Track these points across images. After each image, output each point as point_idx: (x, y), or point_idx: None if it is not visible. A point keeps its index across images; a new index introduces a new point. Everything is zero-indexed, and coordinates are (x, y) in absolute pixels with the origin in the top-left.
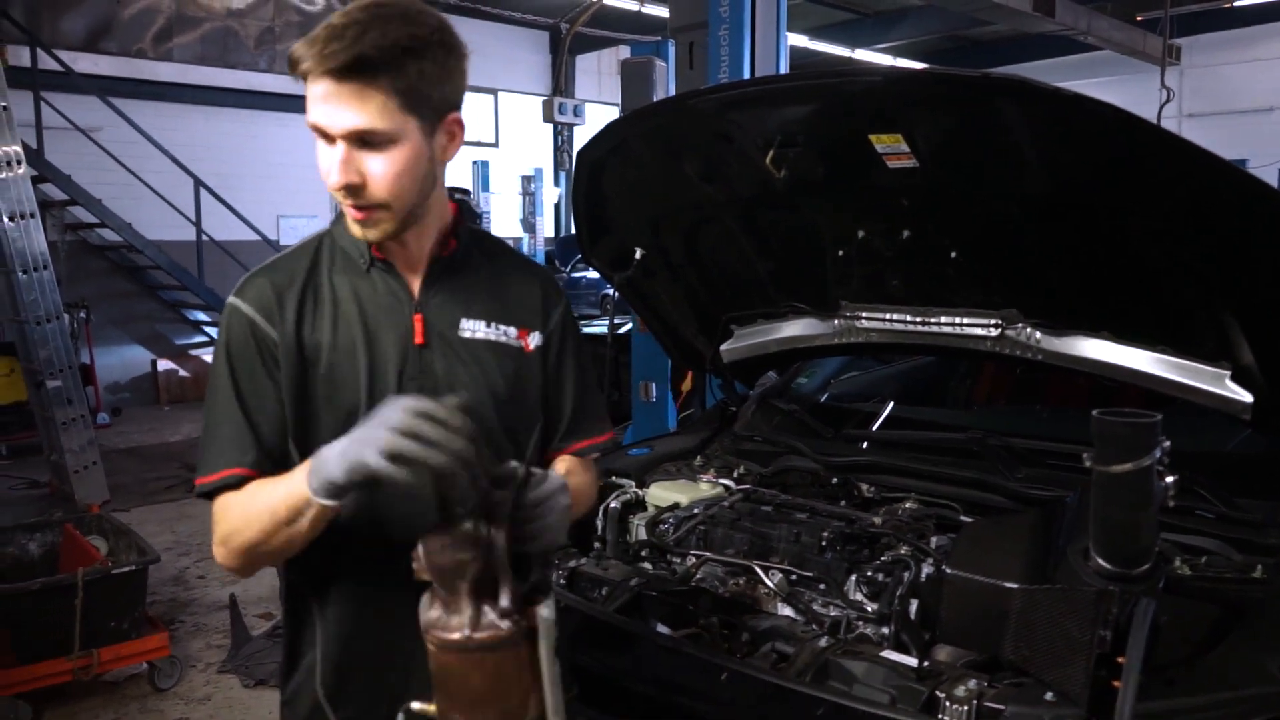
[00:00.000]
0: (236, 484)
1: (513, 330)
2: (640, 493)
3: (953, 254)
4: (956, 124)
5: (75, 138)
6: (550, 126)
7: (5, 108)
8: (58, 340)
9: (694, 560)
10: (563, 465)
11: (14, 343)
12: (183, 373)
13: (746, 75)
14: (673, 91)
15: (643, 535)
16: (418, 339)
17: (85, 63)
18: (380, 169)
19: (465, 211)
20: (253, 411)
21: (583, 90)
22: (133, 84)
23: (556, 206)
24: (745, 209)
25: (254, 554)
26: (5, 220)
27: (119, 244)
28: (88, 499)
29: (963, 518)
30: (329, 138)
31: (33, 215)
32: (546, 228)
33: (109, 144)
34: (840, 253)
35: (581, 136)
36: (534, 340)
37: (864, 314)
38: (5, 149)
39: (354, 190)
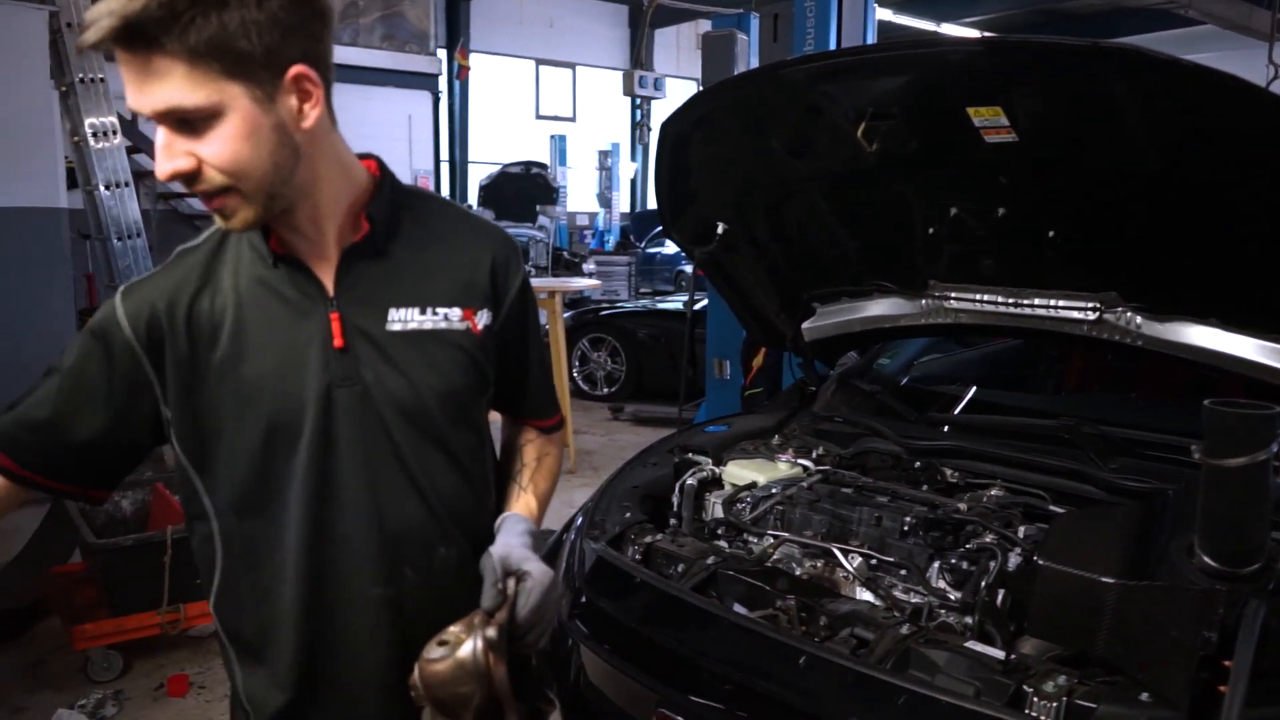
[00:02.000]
0: None
1: (455, 312)
2: (717, 470)
3: (1050, 233)
4: (1061, 96)
5: None
6: (628, 101)
7: (102, 79)
8: None
9: (771, 540)
10: (531, 443)
11: None
12: None
13: (832, 49)
14: (754, 65)
15: (719, 513)
16: (337, 342)
17: None
18: (210, 151)
19: (384, 178)
20: (58, 427)
21: (661, 64)
22: None
23: (633, 181)
24: (833, 184)
25: None
26: (101, 189)
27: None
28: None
29: (1052, 507)
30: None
31: (127, 184)
32: (622, 202)
33: None
34: (930, 230)
35: (660, 111)
36: (483, 319)
37: (953, 294)
38: (102, 119)
39: (188, 179)
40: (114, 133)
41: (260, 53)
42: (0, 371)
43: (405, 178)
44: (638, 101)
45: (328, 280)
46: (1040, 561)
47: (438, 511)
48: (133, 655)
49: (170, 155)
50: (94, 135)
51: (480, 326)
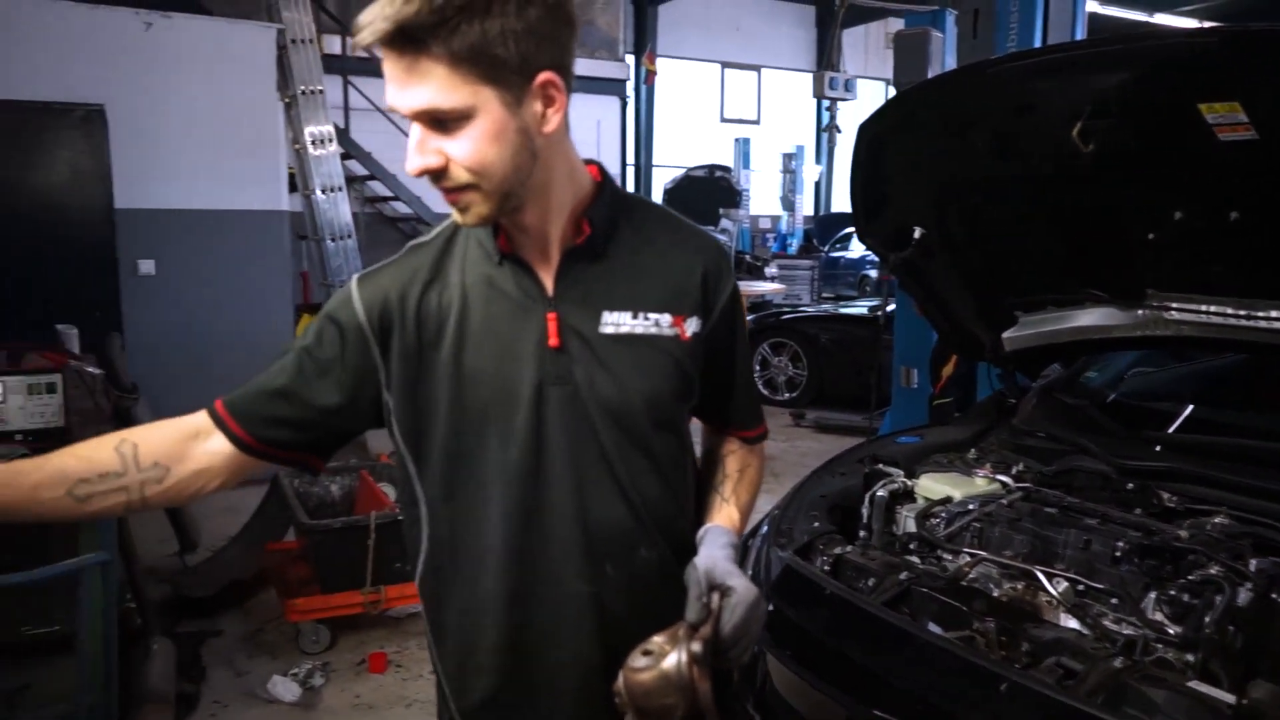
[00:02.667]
0: (218, 423)
1: (666, 318)
2: (909, 483)
3: None
4: None
5: (376, 118)
6: (813, 102)
7: (320, 91)
8: None
9: (967, 559)
10: (734, 454)
11: (321, 304)
12: None
13: (1038, 45)
14: (950, 65)
15: (911, 528)
16: (552, 341)
17: None
18: (458, 150)
19: (606, 183)
20: (292, 395)
21: (849, 65)
22: None
23: (817, 184)
24: (1042, 186)
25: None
26: (318, 193)
27: (410, 216)
28: (378, 449)
29: None
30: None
31: (340, 189)
32: (806, 206)
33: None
34: (1150, 236)
35: (848, 113)
36: (691, 326)
37: (1174, 305)
38: (319, 128)
39: (435, 175)
40: (330, 140)
41: (515, 59)
42: (228, 359)
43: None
44: (825, 104)
45: (548, 280)
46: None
47: (640, 513)
48: (338, 630)
49: (423, 152)
50: (313, 143)
51: (689, 334)
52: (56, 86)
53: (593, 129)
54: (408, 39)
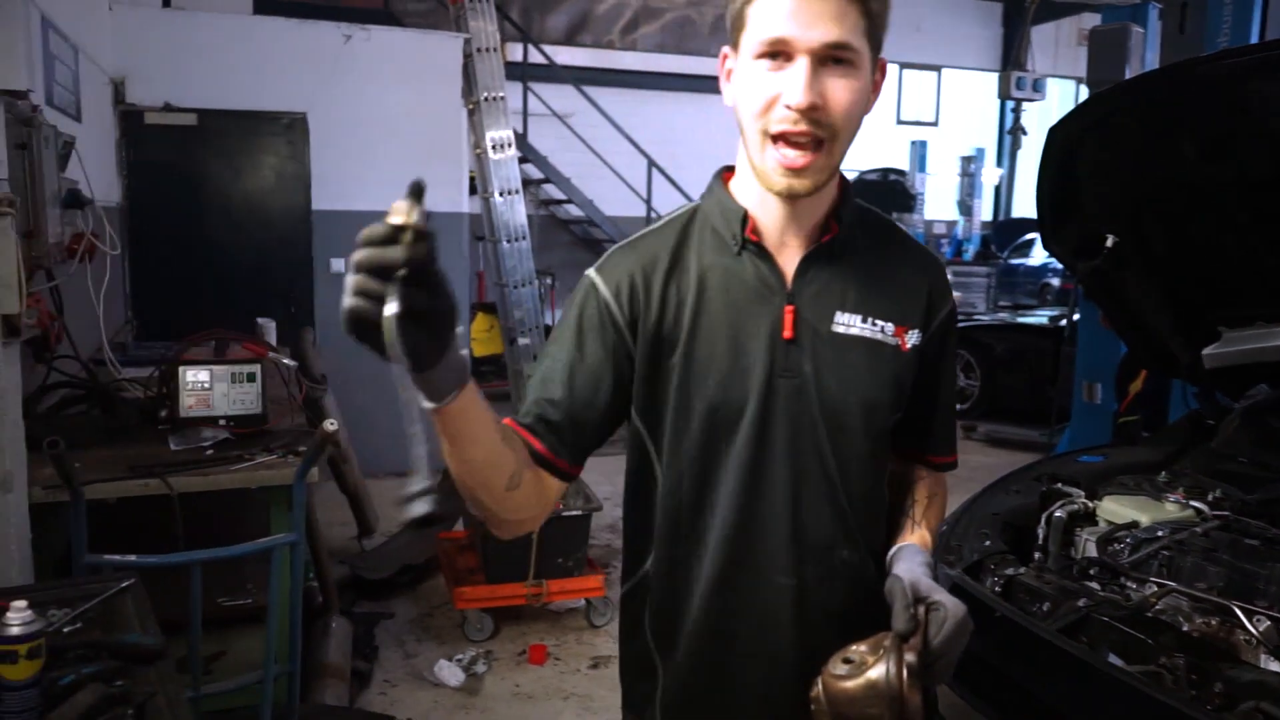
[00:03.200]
0: (546, 465)
1: (890, 327)
2: (1091, 505)
3: None
4: None
5: (552, 123)
6: (995, 104)
7: (502, 97)
8: (530, 303)
9: (1154, 589)
10: (923, 481)
11: (495, 303)
12: None
13: (1255, 41)
14: (1153, 63)
15: (1092, 552)
16: (786, 333)
17: (564, 55)
18: (842, 92)
19: (849, 190)
20: (573, 384)
21: (1036, 64)
22: (601, 73)
23: (996, 189)
24: (1256, 193)
25: (473, 501)
26: (496, 195)
27: (581, 219)
28: None
29: None
30: (784, 56)
31: (517, 192)
32: (984, 210)
33: (579, 128)
34: None
35: (1034, 114)
36: (912, 339)
37: None
38: (500, 133)
39: (814, 113)
40: (509, 145)
41: (881, 36)
42: None
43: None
44: (1010, 104)
45: (788, 272)
46: None
47: (846, 514)
48: (501, 620)
49: (812, 87)
50: (493, 147)
51: (909, 345)
52: (265, 96)
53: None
54: None
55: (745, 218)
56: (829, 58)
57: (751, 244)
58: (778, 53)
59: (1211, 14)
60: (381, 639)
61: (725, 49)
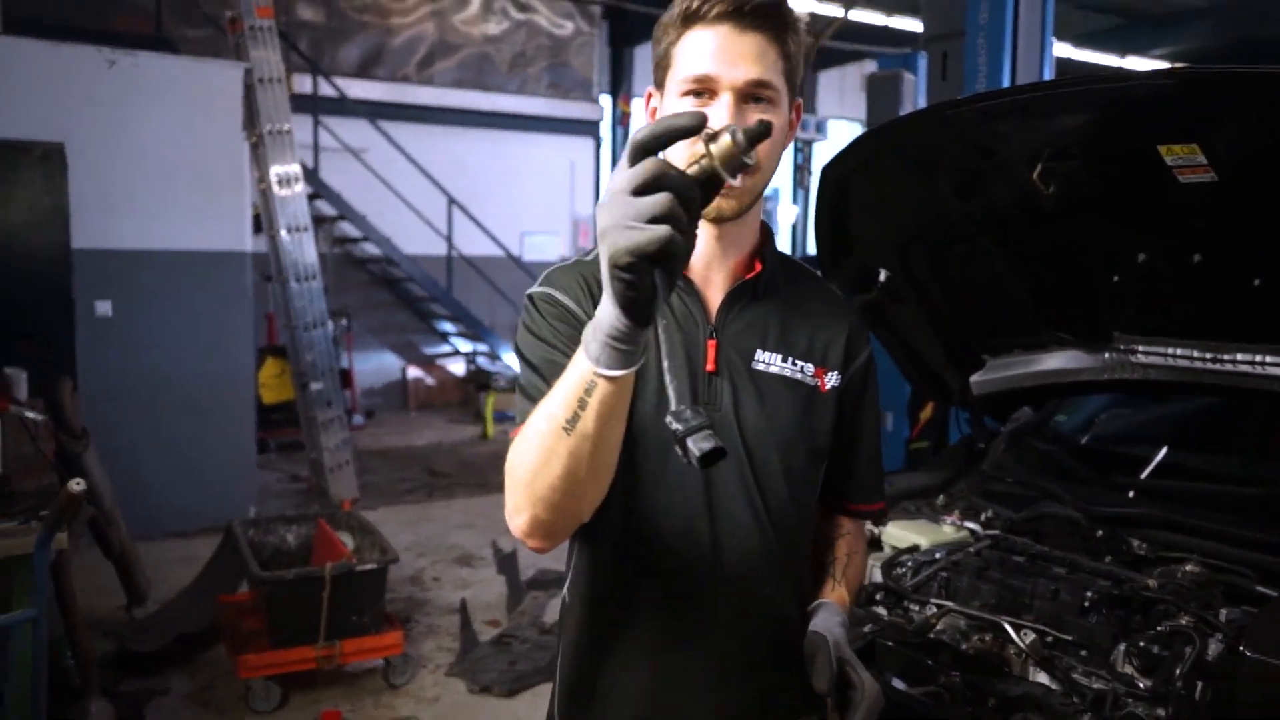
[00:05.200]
0: None
1: (809, 367)
2: (876, 530)
3: (1255, 281)
4: (1270, 131)
5: (345, 158)
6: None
7: (288, 130)
8: (322, 345)
9: (934, 610)
10: (844, 538)
11: (286, 346)
12: (429, 381)
13: (1006, 86)
14: (923, 106)
15: (878, 578)
16: (709, 365)
17: (357, 89)
18: None
19: (770, 235)
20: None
21: (825, 107)
22: (397, 108)
23: (793, 227)
24: (1005, 228)
25: (540, 492)
26: (283, 233)
27: (379, 257)
28: (340, 495)
29: (1260, 588)
30: (709, 93)
31: (306, 229)
32: (782, 247)
33: (374, 164)
34: (1115, 278)
35: (823, 154)
36: (831, 380)
37: (1141, 348)
38: (286, 168)
39: None
40: (296, 180)
41: (799, 75)
42: (186, 402)
43: (566, 223)
44: (799, 144)
45: (712, 307)
46: (1249, 653)
47: (769, 549)
48: (291, 687)
49: (737, 119)
50: (279, 183)
51: (828, 386)
52: (16, 124)
53: (567, 170)
54: (773, 20)
55: None
56: (751, 95)
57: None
58: (703, 90)
59: (968, 61)
60: (154, 719)
61: (649, 88)
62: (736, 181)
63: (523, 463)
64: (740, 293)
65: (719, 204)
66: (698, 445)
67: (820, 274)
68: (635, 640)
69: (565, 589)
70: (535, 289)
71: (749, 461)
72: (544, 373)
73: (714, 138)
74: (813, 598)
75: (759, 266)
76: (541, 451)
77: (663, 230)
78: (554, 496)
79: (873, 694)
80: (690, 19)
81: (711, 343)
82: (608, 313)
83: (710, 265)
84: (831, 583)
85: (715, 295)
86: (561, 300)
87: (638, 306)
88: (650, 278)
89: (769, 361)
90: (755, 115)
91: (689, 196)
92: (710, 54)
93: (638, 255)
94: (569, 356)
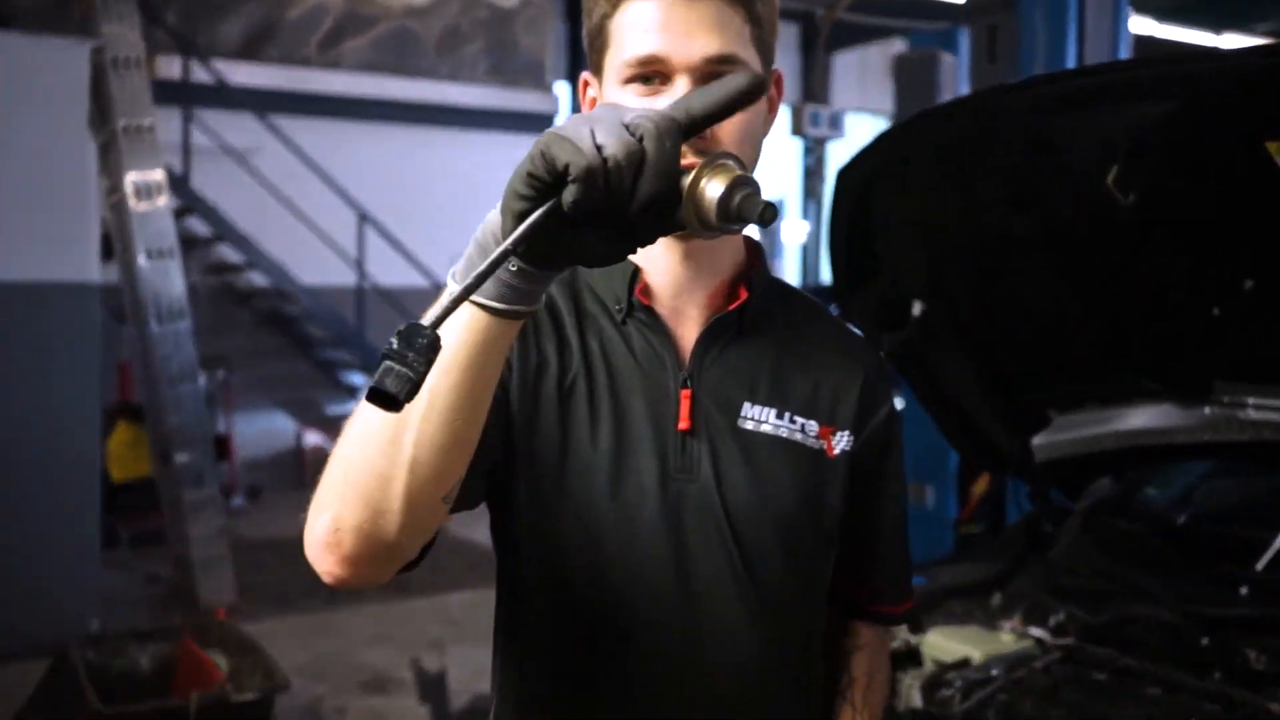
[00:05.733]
0: None
1: (814, 425)
2: (914, 640)
3: None
4: None
5: (226, 163)
6: (799, 143)
7: (150, 127)
8: (192, 405)
9: None
10: (863, 650)
11: (143, 406)
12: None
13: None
14: (965, 93)
15: (917, 701)
16: (682, 423)
17: (242, 74)
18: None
19: (760, 254)
20: None
21: (841, 97)
22: (292, 99)
23: (803, 248)
24: (1073, 247)
25: (353, 474)
26: (141, 258)
27: (268, 290)
28: (213, 601)
29: None
30: (653, 80)
31: (172, 254)
32: (788, 274)
33: (263, 170)
34: (1216, 311)
35: (839, 155)
36: (841, 442)
37: (1250, 400)
38: (146, 176)
39: (702, 143)
40: (160, 191)
41: (772, 43)
42: (5, 479)
43: None
44: (810, 143)
45: (685, 348)
46: None
47: (769, 660)
48: None
49: None
50: (136, 194)
51: (836, 450)
52: None
53: (509, 177)
54: None
55: (635, 274)
56: (712, 76)
57: (641, 308)
58: (651, 74)
59: (1024, 39)
60: None
61: (585, 75)
62: (701, 233)
63: (342, 441)
64: (721, 328)
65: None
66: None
67: (836, 305)
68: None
69: (492, 714)
70: None
71: (738, 546)
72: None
73: (714, 163)
74: None
75: (744, 294)
76: (364, 420)
77: (593, 157)
78: (370, 482)
79: None
80: None
81: (685, 393)
82: (494, 219)
83: (680, 294)
84: (850, 712)
85: (689, 332)
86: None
87: (518, 222)
88: (546, 198)
89: (759, 418)
90: None
91: (655, 187)
92: (656, 26)
93: (551, 159)
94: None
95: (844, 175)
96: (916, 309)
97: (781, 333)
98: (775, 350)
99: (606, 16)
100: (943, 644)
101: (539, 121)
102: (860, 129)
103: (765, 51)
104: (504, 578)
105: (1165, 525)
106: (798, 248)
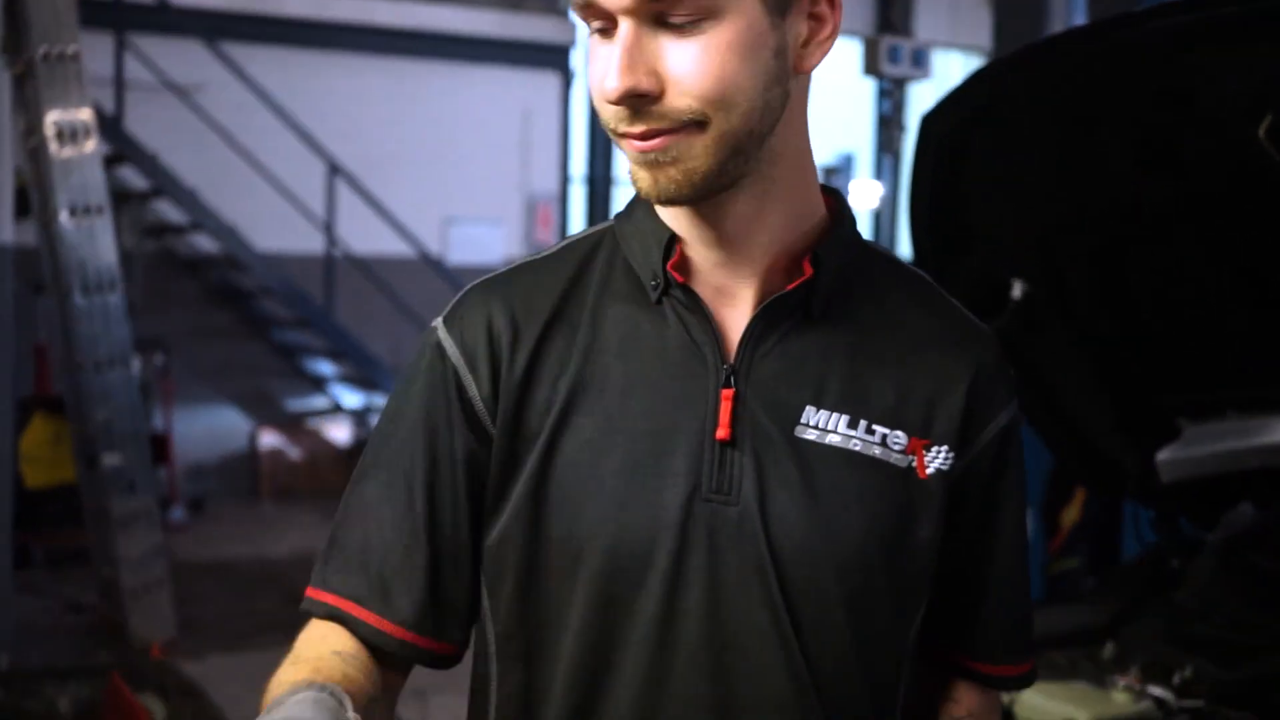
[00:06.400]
0: (342, 621)
1: (900, 437)
2: (1007, 700)
3: None
4: None
5: (168, 100)
6: (872, 86)
7: (76, 55)
8: (123, 396)
9: None
10: (964, 709)
11: (64, 397)
12: (293, 453)
13: None
14: (1081, 23)
15: None
16: (721, 431)
17: None
18: (689, 64)
19: (846, 217)
20: (431, 539)
21: (925, 29)
22: (250, 22)
23: (876, 214)
24: (1215, 218)
25: None
26: (63, 215)
27: (217, 258)
28: (147, 635)
29: None
30: (606, 21)
31: (101, 211)
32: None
33: (213, 110)
34: None
35: (924, 99)
36: (937, 460)
37: None
38: (69, 115)
39: (643, 101)
40: (89, 134)
41: None
42: None
43: (516, 206)
44: (887, 85)
45: (732, 337)
46: None
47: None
48: None
49: (632, 66)
50: (59, 137)
51: (930, 469)
52: None
53: (518, 121)
54: None
55: (671, 243)
56: (659, 15)
57: (677, 286)
58: (598, 18)
59: None
60: None
61: None
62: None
63: None
64: (779, 312)
65: (655, 181)
66: None
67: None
68: None
69: None
70: (436, 321)
71: (784, 594)
72: (386, 472)
73: None
74: None
75: (809, 269)
76: None
77: None
78: None
79: None
80: None
81: (727, 393)
82: None
83: (723, 271)
84: None
85: (739, 317)
86: (451, 356)
87: None
88: None
89: (826, 426)
90: (674, 42)
91: None
92: None
93: None
94: (426, 459)
95: (930, 124)
96: (1017, 291)
97: (866, 317)
98: (854, 340)
99: None
100: (1041, 704)
101: (550, 54)
102: (950, 68)
103: None
104: (481, 629)
105: None
106: (869, 213)
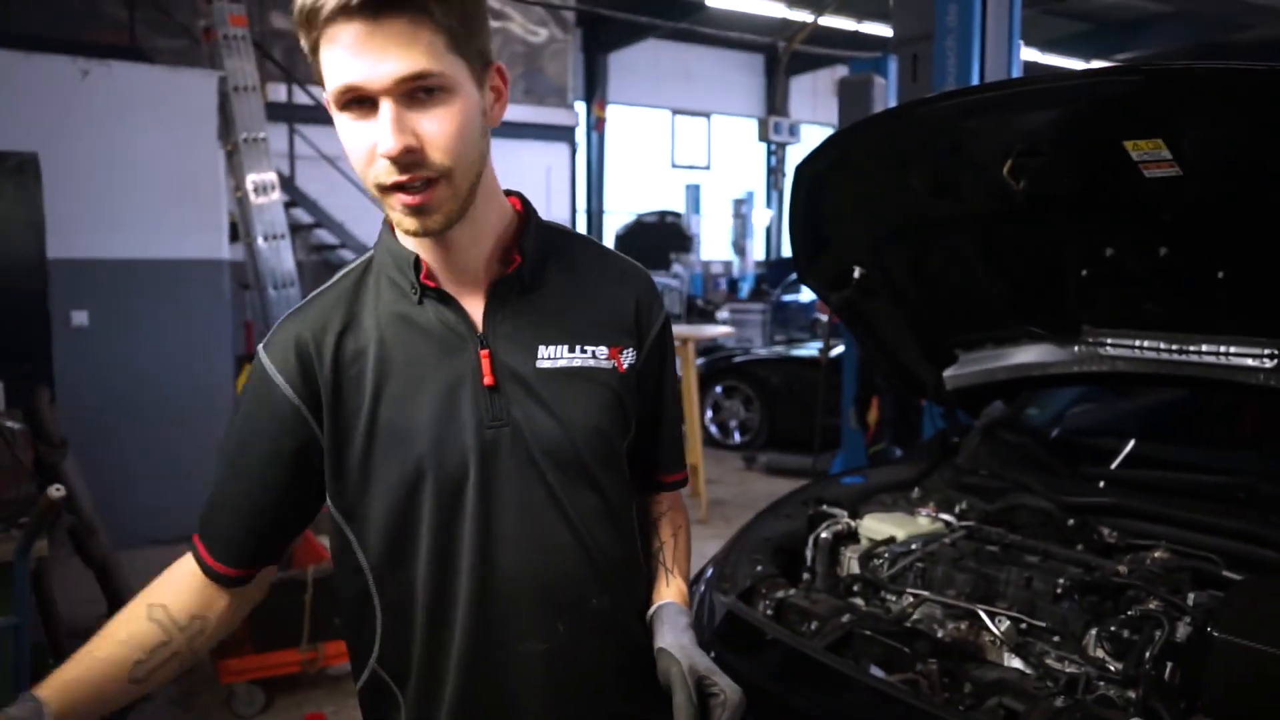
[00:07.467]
0: (202, 569)
1: (603, 350)
2: (853, 524)
3: (1219, 274)
4: (1231, 126)
5: (321, 165)
6: (764, 148)
7: (263, 138)
8: None
9: (911, 600)
10: (665, 516)
11: None
12: None
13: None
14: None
15: (855, 569)
16: (486, 379)
17: None
18: (437, 126)
19: (531, 212)
20: (247, 502)
21: (797, 111)
22: None
23: (768, 230)
24: (978, 224)
25: None
26: (260, 240)
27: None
28: None
29: (1225, 573)
30: (364, 102)
31: (283, 236)
32: (757, 250)
33: (350, 170)
34: (1084, 272)
35: (796, 157)
36: (628, 358)
37: (1109, 341)
38: (262, 176)
39: (410, 155)
40: (273, 188)
41: (480, 40)
42: (164, 411)
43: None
44: (773, 148)
45: (476, 316)
46: (1216, 634)
47: (595, 559)
48: (275, 691)
49: (401, 130)
50: (255, 190)
51: (625, 365)
52: None
53: (543, 176)
54: (403, 2)
55: (418, 262)
56: (413, 93)
57: (430, 290)
58: (360, 100)
59: (937, 63)
60: None
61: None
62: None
63: None
64: (504, 290)
65: (419, 223)
66: None
67: (796, 273)
68: (460, 690)
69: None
70: (259, 347)
71: (556, 471)
72: (226, 481)
73: None
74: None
75: (518, 259)
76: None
77: None
78: None
79: (734, 699)
80: (313, 19)
81: (484, 353)
82: None
83: (460, 271)
84: (664, 574)
85: (477, 302)
86: (271, 372)
87: None
88: None
89: (554, 356)
90: (424, 114)
91: None
92: (350, 56)
93: None
94: (259, 463)
95: (801, 169)
96: (857, 274)
97: (563, 277)
98: (559, 295)
99: (314, 53)
100: (874, 526)
101: (563, 132)
102: (812, 136)
103: (469, 52)
104: (349, 554)
105: (1043, 438)
106: (764, 229)
